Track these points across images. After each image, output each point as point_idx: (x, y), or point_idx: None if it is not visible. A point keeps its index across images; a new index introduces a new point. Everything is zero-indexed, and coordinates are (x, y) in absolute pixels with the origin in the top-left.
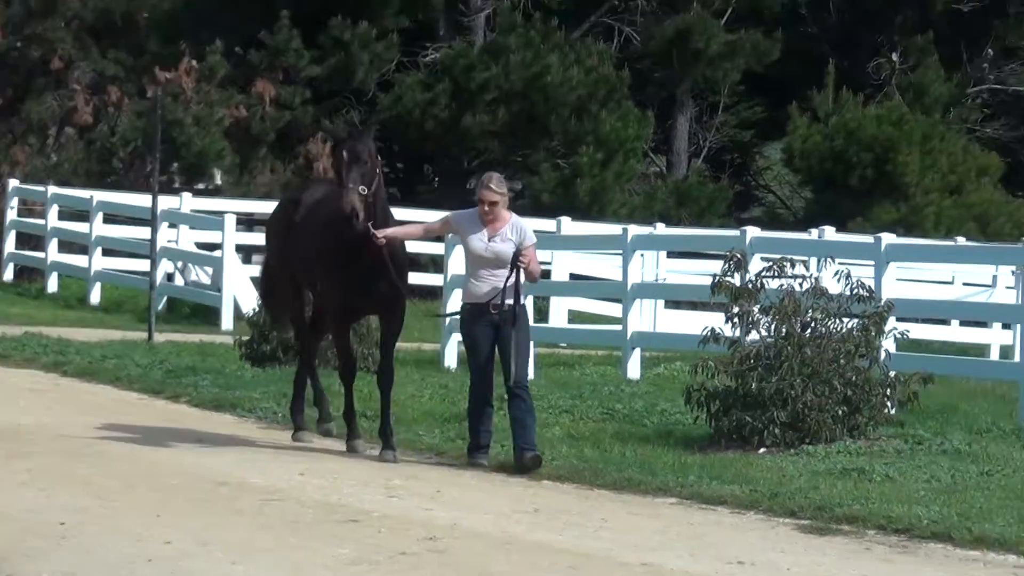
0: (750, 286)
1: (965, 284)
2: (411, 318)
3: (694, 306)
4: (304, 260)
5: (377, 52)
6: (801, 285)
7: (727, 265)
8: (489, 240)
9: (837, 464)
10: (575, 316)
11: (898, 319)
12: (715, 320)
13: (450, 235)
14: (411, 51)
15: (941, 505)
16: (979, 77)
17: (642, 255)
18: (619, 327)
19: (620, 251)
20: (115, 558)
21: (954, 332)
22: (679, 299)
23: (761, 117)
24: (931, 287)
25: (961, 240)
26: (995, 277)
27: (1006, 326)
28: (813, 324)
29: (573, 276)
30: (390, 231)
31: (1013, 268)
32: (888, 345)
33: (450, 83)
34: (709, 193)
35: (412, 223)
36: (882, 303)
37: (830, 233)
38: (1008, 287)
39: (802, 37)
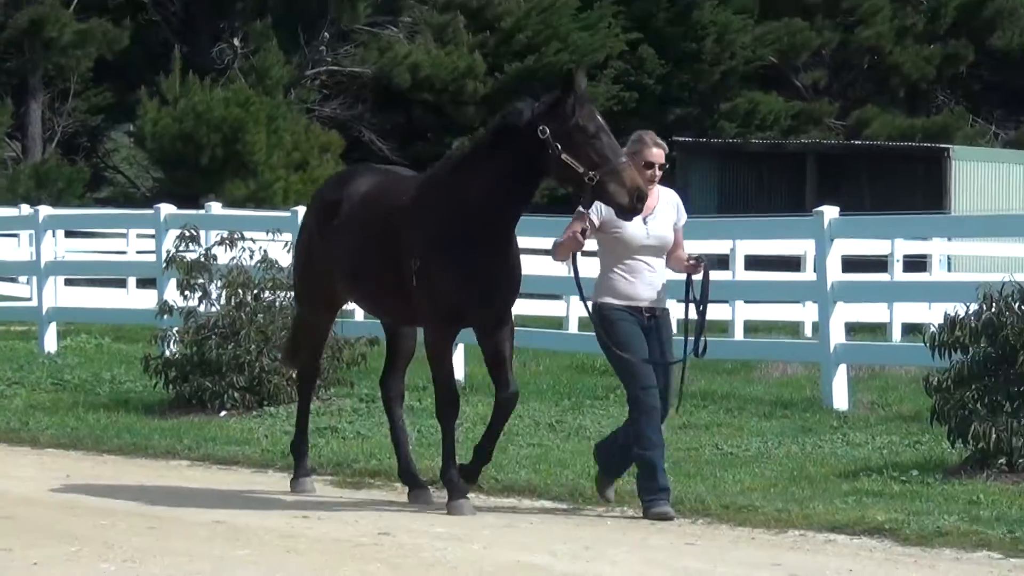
0: (203, 259)
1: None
2: None
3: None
4: (351, 265)
5: None
6: (252, 257)
7: (178, 241)
8: (645, 221)
9: None
10: None
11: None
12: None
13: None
14: None
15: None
16: (317, 59)
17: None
18: (33, 303)
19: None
20: None
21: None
22: (91, 275)
23: (111, 102)
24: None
25: None
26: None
27: None
28: (264, 294)
29: None
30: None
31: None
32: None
33: None
34: (67, 175)
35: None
36: None
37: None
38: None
39: (148, 25)
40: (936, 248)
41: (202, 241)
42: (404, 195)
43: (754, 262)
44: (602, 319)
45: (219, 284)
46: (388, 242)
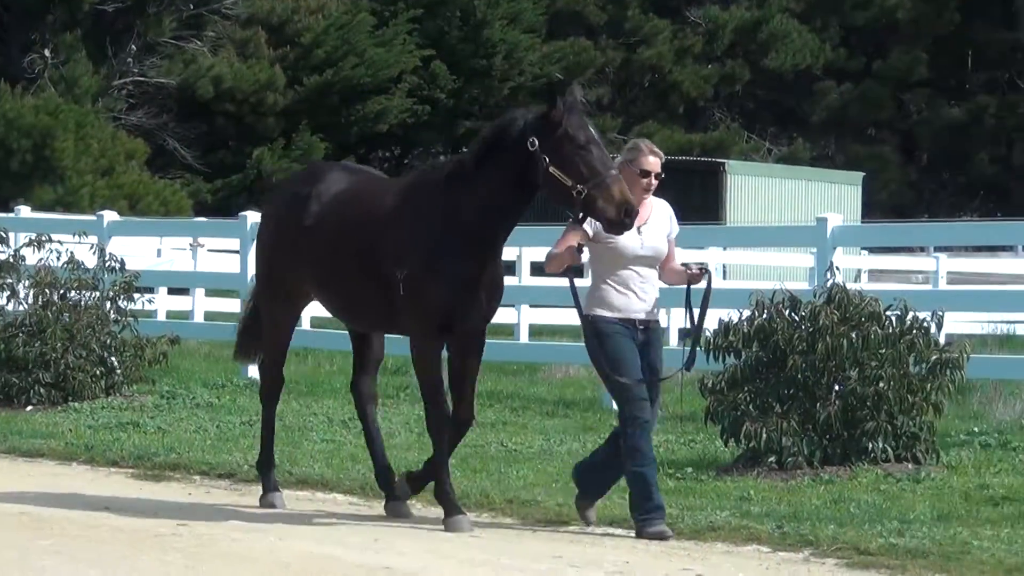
0: (12, 260)
1: None
2: None
3: None
4: (324, 268)
5: None
6: (59, 259)
7: None
8: (639, 232)
9: (103, 419)
10: None
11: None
12: None
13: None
14: None
15: (244, 451)
16: (124, 70)
17: None
18: None
19: None
20: None
21: None
22: None
23: None
24: None
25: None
26: None
27: None
28: (70, 294)
29: None
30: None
31: None
32: None
33: None
34: None
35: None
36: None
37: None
38: None
39: None
40: (712, 257)
41: (11, 243)
42: (383, 200)
43: (540, 268)
44: (595, 332)
45: (27, 284)
46: (366, 249)
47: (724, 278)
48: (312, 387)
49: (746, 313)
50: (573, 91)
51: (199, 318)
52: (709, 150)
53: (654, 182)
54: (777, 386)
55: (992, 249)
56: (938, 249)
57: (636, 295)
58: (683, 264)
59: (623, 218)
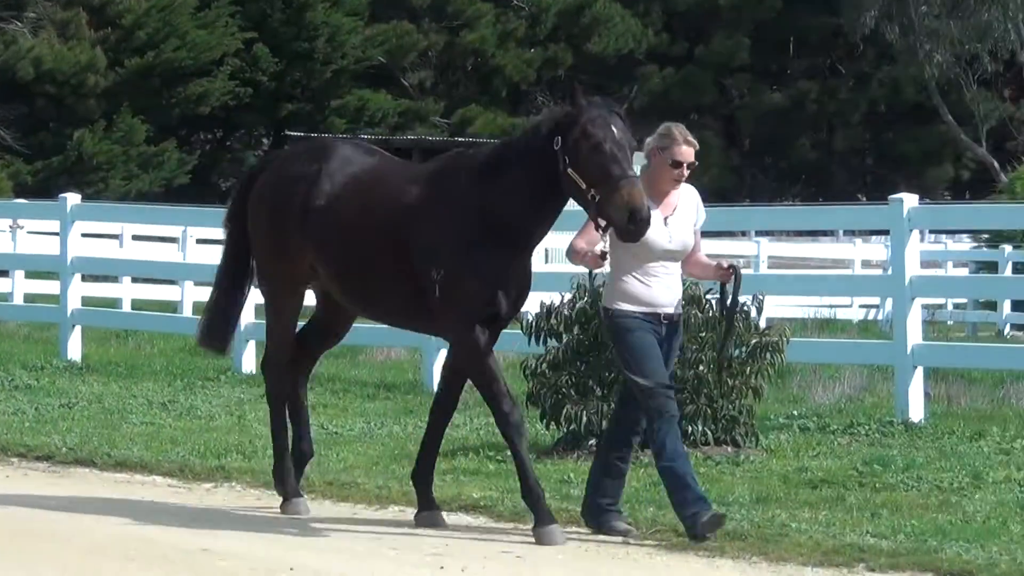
0: None
1: None
2: None
3: None
4: (338, 255)
5: None
6: None
7: None
8: (667, 223)
9: None
10: None
11: None
12: None
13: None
14: None
15: (63, 434)
16: None
17: None
18: None
19: None
20: None
21: None
22: None
23: None
24: None
25: None
26: None
27: None
28: None
29: None
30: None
31: None
32: None
33: None
34: None
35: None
36: None
37: None
38: None
39: None
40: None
41: None
42: (409, 190)
43: None
44: (616, 327)
45: None
46: (392, 242)
47: (546, 261)
48: (132, 369)
49: (567, 296)
50: (627, 95)
51: (18, 300)
52: None
53: (686, 173)
54: (597, 369)
55: (812, 234)
56: (759, 233)
57: (662, 288)
58: (713, 260)
59: (629, 226)
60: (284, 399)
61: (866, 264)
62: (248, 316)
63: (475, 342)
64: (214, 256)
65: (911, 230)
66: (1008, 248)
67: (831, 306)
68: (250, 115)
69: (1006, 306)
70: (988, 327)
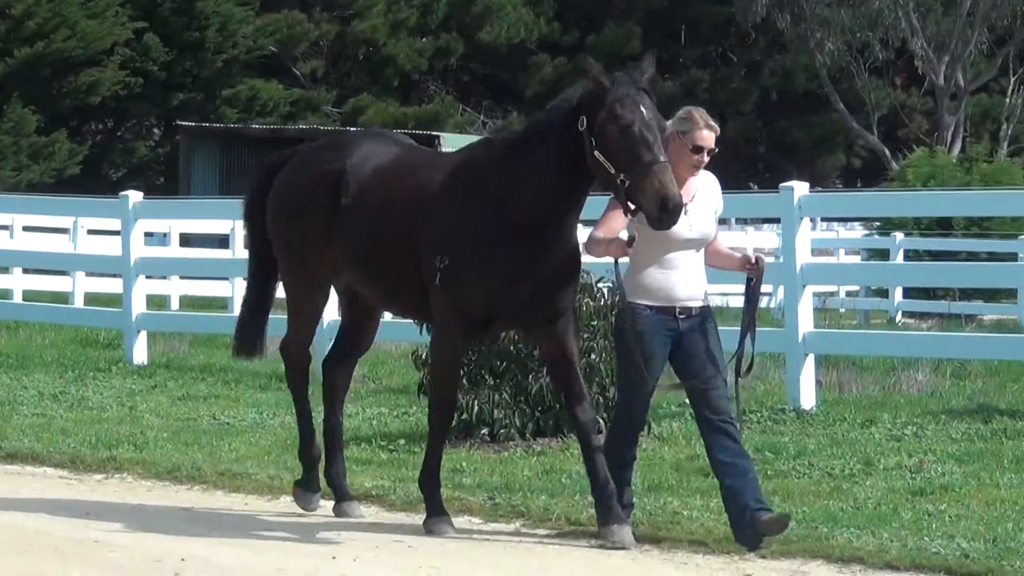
0: None
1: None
2: None
3: None
4: (362, 251)
5: None
6: None
7: None
8: (686, 211)
9: None
10: None
11: None
12: None
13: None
14: None
15: None
16: None
17: None
18: None
19: None
20: None
21: None
22: None
23: None
24: None
25: None
26: None
27: None
28: None
29: None
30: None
31: None
32: None
33: None
34: None
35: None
36: None
37: None
38: None
39: None
40: None
41: None
42: (430, 182)
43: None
44: (631, 323)
45: None
46: (405, 231)
47: None
48: (23, 360)
49: None
50: (642, 65)
51: None
52: (424, 123)
53: (706, 158)
54: (489, 358)
55: None
56: None
57: (680, 279)
58: (738, 251)
59: (660, 214)
60: (305, 391)
61: (758, 252)
62: (139, 307)
63: (456, 342)
64: (105, 247)
65: (802, 218)
66: (899, 236)
67: (723, 294)
68: (141, 105)
69: (897, 293)
70: (880, 315)
